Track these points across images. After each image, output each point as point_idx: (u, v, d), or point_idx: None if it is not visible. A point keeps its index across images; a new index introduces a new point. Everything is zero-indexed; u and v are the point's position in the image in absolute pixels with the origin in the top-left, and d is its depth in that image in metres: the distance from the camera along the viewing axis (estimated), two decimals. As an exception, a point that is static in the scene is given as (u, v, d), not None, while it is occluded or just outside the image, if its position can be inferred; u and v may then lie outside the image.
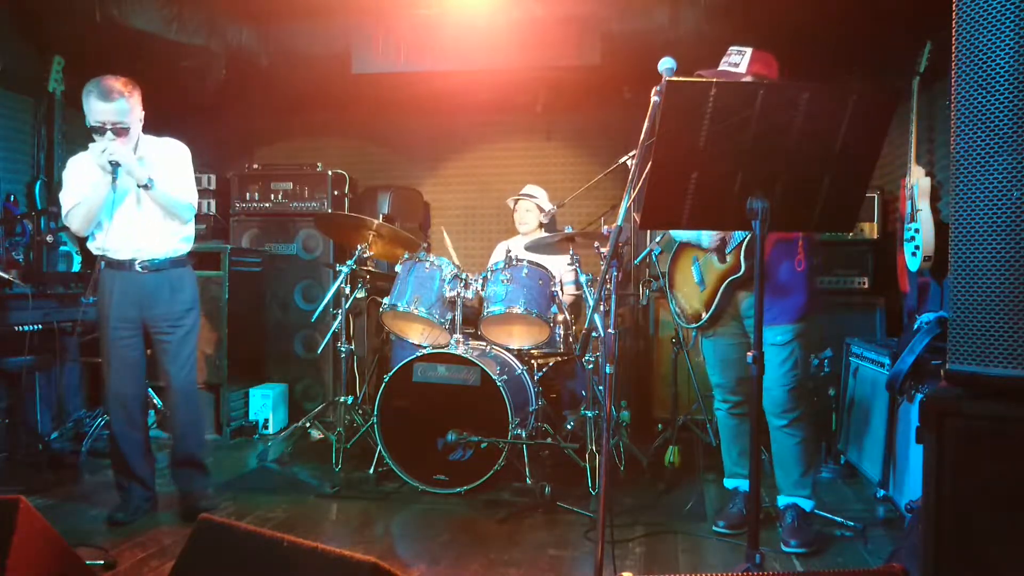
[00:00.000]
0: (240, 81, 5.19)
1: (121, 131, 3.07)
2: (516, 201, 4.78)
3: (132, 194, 3.18)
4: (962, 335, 1.69)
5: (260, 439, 4.74)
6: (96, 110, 3.05)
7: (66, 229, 4.63)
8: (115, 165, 3.01)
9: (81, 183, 3.14)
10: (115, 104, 3.04)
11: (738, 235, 2.95)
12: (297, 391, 5.22)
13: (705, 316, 3.10)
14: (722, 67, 2.94)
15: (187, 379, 3.34)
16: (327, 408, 4.56)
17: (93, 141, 3.12)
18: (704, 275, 3.14)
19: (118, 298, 3.22)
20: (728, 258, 3.01)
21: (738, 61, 2.90)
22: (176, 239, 3.30)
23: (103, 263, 3.26)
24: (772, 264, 2.97)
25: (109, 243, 3.21)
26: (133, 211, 3.20)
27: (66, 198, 3.17)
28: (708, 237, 3.09)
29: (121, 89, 3.06)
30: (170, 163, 3.23)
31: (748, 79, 2.87)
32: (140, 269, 3.22)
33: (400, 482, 3.68)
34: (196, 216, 3.39)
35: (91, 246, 3.28)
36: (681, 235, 3.26)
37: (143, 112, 3.20)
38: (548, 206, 4.66)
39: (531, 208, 4.69)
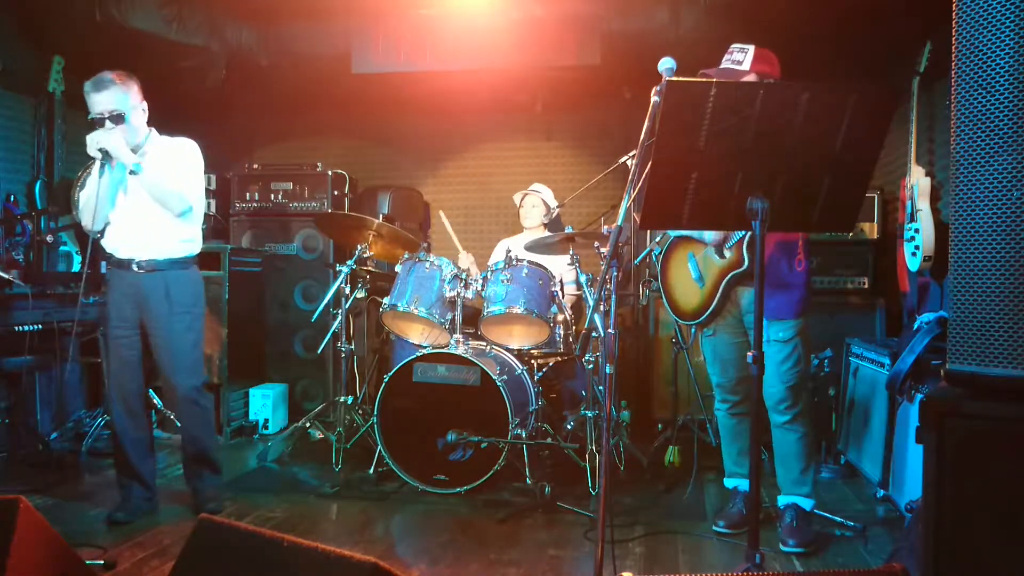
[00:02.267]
0: (240, 81, 5.19)
1: (116, 118, 3.11)
2: (523, 196, 4.78)
3: (132, 193, 3.20)
4: (962, 335, 1.69)
5: (260, 439, 4.74)
6: (91, 102, 3.13)
7: (66, 229, 4.68)
8: (104, 152, 3.05)
9: (88, 182, 3.21)
10: (106, 92, 3.10)
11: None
12: (297, 391, 5.22)
13: (706, 312, 3.10)
14: (724, 65, 2.94)
15: (188, 382, 3.30)
16: (327, 408, 4.55)
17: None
18: (703, 271, 3.14)
19: (118, 297, 3.26)
20: (728, 253, 3.01)
21: (741, 59, 2.90)
22: (176, 241, 3.28)
23: (107, 262, 3.30)
24: (772, 261, 2.97)
25: (112, 242, 3.26)
26: (133, 211, 3.22)
27: (80, 195, 3.27)
28: (710, 233, 3.09)
29: (112, 78, 3.12)
30: (171, 155, 3.25)
31: (751, 77, 2.87)
32: (137, 269, 3.24)
33: (400, 482, 3.68)
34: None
35: (103, 244, 3.33)
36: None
37: (144, 104, 3.23)
38: (553, 203, 4.67)
39: (537, 203, 4.69)
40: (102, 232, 3.29)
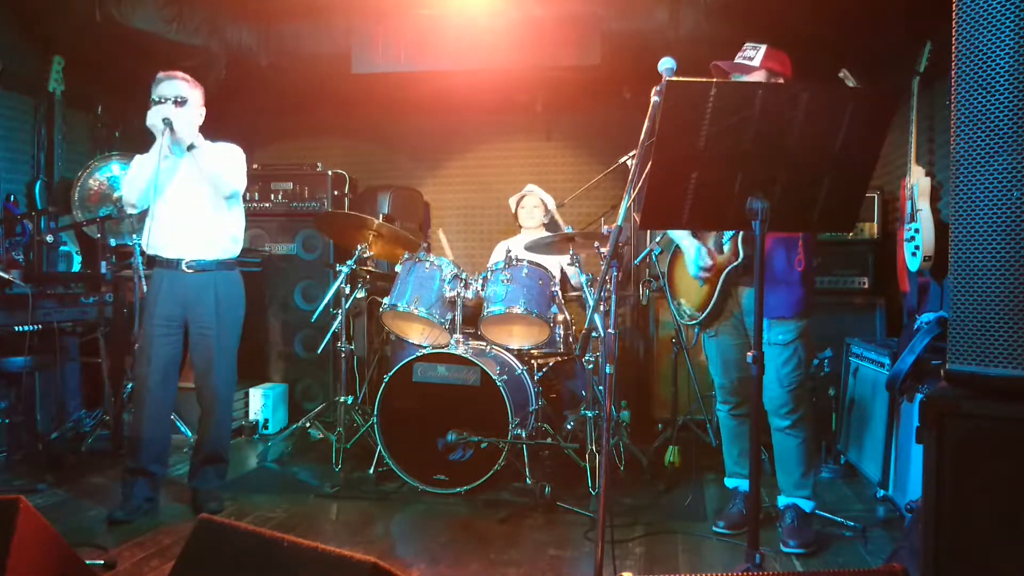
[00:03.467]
0: (240, 81, 5.18)
1: (180, 101, 3.21)
2: (520, 199, 4.78)
3: (182, 190, 3.26)
4: (962, 335, 1.69)
5: (260, 439, 4.74)
6: (159, 88, 3.24)
7: (66, 229, 4.67)
8: (167, 122, 3.11)
9: (139, 161, 3.28)
10: (177, 82, 3.25)
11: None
12: (297, 391, 5.22)
13: (705, 311, 3.10)
14: (737, 60, 2.97)
15: (226, 382, 3.40)
16: (327, 408, 4.55)
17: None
18: None
19: (164, 297, 3.28)
20: (724, 249, 3.01)
21: (752, 55, 2.93)
22: (224, 239, 3.35)
23: (141, 260, 3.33)
24: (769, 256, 2.96)
25: (158, 241, 3.28)
26: (182, 209, 3.26)
27: (125, 178, 3.34)
28: (696, 261, 3.08)
29: (184, 75, 3.28)
30: (220, 150, 3.34)
31: (761, 73, 2.91)
32: (187, 269, 3.27)
33: (400, 482, 3.68)
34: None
35: (143, 243, 3.36)
36: (677, 241, 3.24)
37: (204, 111, 3.34)
38: (551, 203, 4.67)
39: (537, 204, 4.70)
40: (141, 223, 3.38)
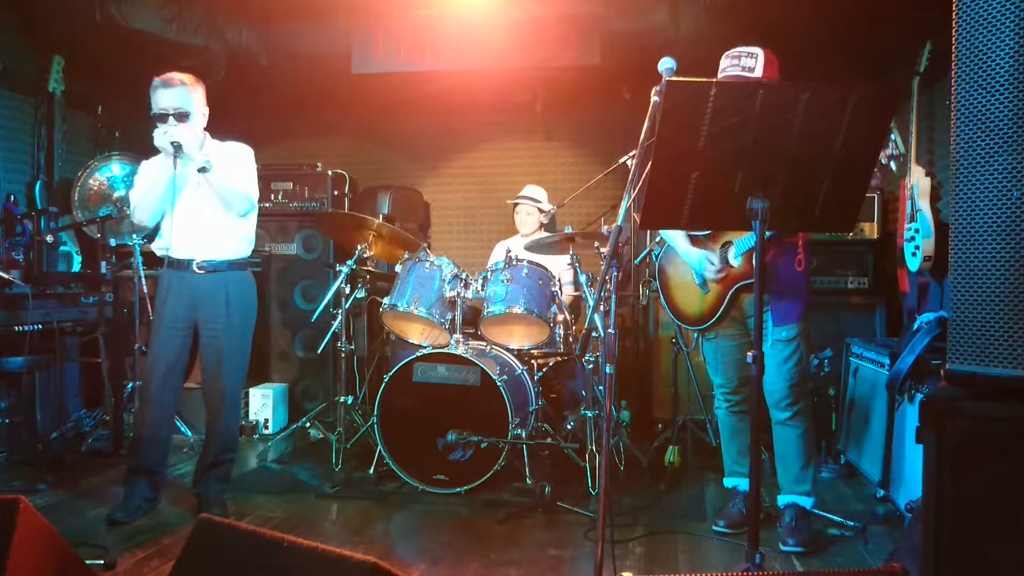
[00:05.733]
0: (240, 81, 5.18)
1: (182, 116, 3.13)
2: (516, 204, 4.78)
3: (193, 193, 3.21)
4: (962, 335, 1.69)
5: (260, 439, 4.74)
6: (158, 98, 3.14)
7: (66, 229, 4.67)
8: (176, 146, 3.05)
9: (147, 177, 3.23)
10: (175, 90, 3.13)
11: (745, 241, 2.94)
12: (297, 391, 5.22)
13: (711, 319, 3.10)
14: (732, 71, 2.87)
15: (235, 385, 3.35)
16: (327, 408, 4.55)
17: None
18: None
19: (174, 298, 3.24)
20: (735, 264, 3.00)
21: (751, 64, 2.85)
22: (236, 240, 3.31)
23: (141, 260, 3.29)
24: (778, 266, 2.97)
25: (167, 242, 3.24)
26: (193, 210, 3.22)
27: (133, 193, 3.28)
28: (704, 266, 3.06)
29: (182, 78, 3.17)
30: (231, 158, 3.28)
31: None
32: (197, 269, 3.23)
33: (400, 482, 3.68)
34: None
35: (154, 246, 3.33)
36: (674, 246, 3.23)
37: (207, 109, 3.27)
38: (548, 208, 4.66)
39: (532, 211, 4.69)
40: (155, 230, 3.31)
